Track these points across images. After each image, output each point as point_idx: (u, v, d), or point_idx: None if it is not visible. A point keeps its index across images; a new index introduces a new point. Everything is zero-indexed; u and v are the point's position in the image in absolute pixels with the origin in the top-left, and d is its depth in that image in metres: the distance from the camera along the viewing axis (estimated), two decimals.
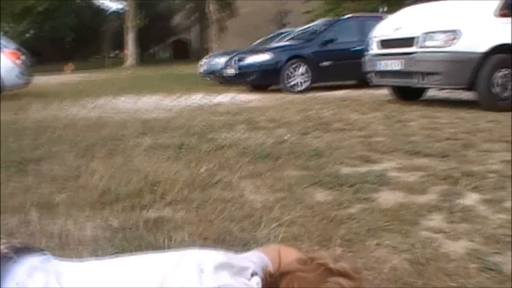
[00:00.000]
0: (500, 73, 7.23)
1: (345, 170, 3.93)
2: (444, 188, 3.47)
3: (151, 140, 5.52)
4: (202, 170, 4.05)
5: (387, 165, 4.14)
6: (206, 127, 6.34)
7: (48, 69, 29.09)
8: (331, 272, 1.60)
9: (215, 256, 1.62)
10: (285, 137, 5.32)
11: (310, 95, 10.87)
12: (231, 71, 12.89)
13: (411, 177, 3.77)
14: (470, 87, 7.38)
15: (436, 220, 2.93)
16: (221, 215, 3.00)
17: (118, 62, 41.86)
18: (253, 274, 1.66)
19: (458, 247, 2.52)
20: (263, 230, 2.71)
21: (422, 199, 3.27)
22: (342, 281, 1.57)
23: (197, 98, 10.94)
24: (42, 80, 18.57)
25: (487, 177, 3.64)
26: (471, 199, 3.21)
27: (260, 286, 1.60)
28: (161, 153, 4.81)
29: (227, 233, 2.71)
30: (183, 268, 1.59)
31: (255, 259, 1.74)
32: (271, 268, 1.72)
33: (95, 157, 4.76)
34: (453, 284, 2.15)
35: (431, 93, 9.46)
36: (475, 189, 3.40)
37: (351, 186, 3.50)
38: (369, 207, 3.09)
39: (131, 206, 3.20)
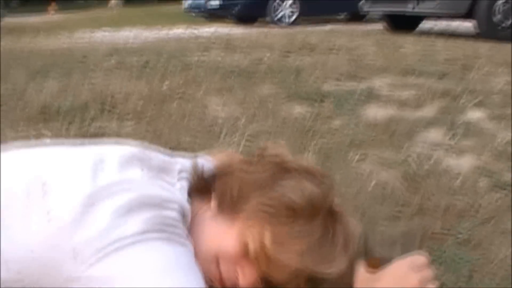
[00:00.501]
0: (502, 1, 6.73)
1: (328, 86, 3.39)
2: (443, 104, 2.97)
3: (116, 61, 4.93)
4: (164, 87, 3.49)
5: (377, 83, 3.61)
6: (178, 50, 5.74)
7: (30, 9, 28.00)
8: (286, 171, 1.09)
9: (126, 149, 1.10)
10: (264, 58, 4.74)
11: (298, 28, 10.22)
12: (215, 2, 12.16)
13: (404, 94, 3.24)
14: (469, 15, 6.81)
15: (434, 134, 2.45)
16: (175, 127, 2.47)
17: (104, 3, 40.60)
18: (182, 178, 1.13)
19: (462, 163, 2.03)
20: (222, 143, 2.18)
21: (417, 114, 2.76)
22: (304, 183, 1.07)
23: (178, 32, 10.28)
24: (21, 19, 17.70)
25: (491, 95, 3.11)
26: (474, 115, 2.74)
27: (186, 188, 1.08)
28: (124, 73, 4.23)
29: (178, 146, 2.18)
30: (74, 160, 1.07)
31: (189, 162, 1.21)
32: (205, 169, 1.19)
33: (49, 77, 4.19)
34: (458, 202, 1.64)
35: (427, 25, 8.87)
36: (479, 105, 2.91)
37: (334, 101, 2.97)
38: (354, 121, 2.57)
39: (72, 120, 2.65)
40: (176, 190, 1.09)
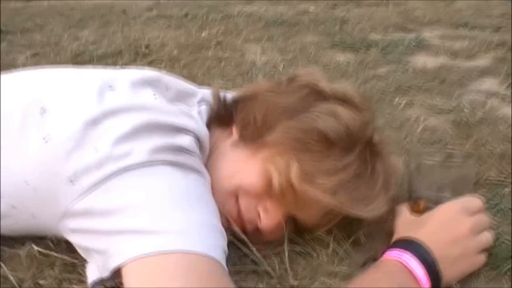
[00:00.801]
0: None
1: (374, 36, 3.18)
2: (499, 55, 2.73)
3: (156, 14, 4.79)
4: (202, 35, 3.34)
5: (428, 34, 3.37)
6: (220, 2, 5.55)
7: None
8: (320, 95, 0.94)
9: (139, 73, 0.97)
10: (309, 9, 4.53)
11: None
12: None
13: (457, 45, 3.01)
14: None
15: (489, 83, 2.23)
16: (210, 72, 2.33)
17: None
18: (201, 101, 1.00)
19: None
20: None
21: (470, 63, 2.54)
22: (339, 109, 0.91)
23: None
24: None
25: None
26: None
27: (204, 115, 0.94)
28: (162, 23, 4.09)
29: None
30: (78, 83, 0.94)
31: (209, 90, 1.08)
32: (228, 98, 1.06)
33: (86, 27, 4.08)
34: None
35: None
36: None
37: (381, 49, 2.77)
38: (401, 69, 2.38)
39: (104, 65, 2.54)
40: (194, 115, 0.96)
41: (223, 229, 0.84)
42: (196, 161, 0.89)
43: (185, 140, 0.89)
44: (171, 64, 2.56)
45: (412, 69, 2.40)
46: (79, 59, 2.80)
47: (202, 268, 0.73)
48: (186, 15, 4.32)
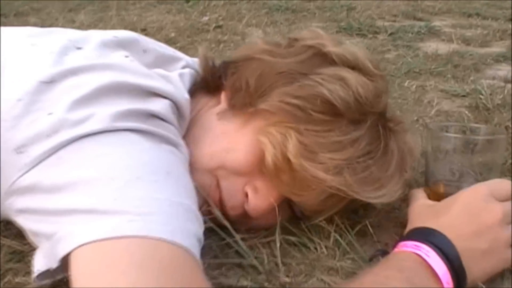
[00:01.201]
0: None
1: (383, 22, 3.03)
2: None
3: None
4: (203, 18, 3.20)
5: (438, 23, 3.22)
6: None
7: None
8: (325, 58, 0.78)
9: (113, 33, 0.81)
10: None
11: None
12: None
13: (469, 32, 2.86)
14: None
15: (505, 70, 2.06)
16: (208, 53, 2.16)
17: None
18: (185, 67, 0.84)
19: None
20: None
21: (484, 50, 2.39)
22: (348, 74, 0.75)
23: None
24: None
25: None
26: None
27: (187, 79, 0.78)
28: (163, 8, 3.94)
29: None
30: (40, 42, 0.78)
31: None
32: (217, 63, 0.90)
33: (84, 11, 3.94)
34: None
35: None
36: None
37: (390, 34, 2.62)
38: (411, 54, 2.23)
39: None
40: (172, 78, 0.81)
41: (198, 213, 0.68)
42: (170, 130, 0.73)
43: (159, 105, 0.73)
44: (167, 46, 2.40)
45: (423, 54, 2.25)
46: None
47: (163, 256, 0.57)
48: (187, 0, 4.18)
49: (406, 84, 1.76)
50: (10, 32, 0.87)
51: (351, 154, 0.78)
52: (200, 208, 0.73)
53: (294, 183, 0.78)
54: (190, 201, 0.67)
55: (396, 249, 0.73)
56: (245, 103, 0.82)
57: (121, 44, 0.82)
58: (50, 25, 3.05)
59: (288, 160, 0.77)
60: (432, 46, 2.46)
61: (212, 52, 2.25)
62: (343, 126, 0.79)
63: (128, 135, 0.67)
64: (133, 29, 2.78)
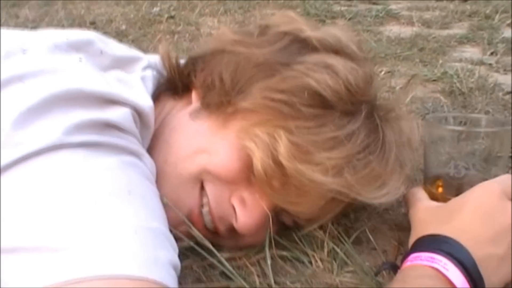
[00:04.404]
0: None
1: (340, 7, 2.96)
2: (474, 23, 2.55)
3: None
4: (154, 9, 3.06)
5: (394, 6, 3.17)
6: None
7: None
8: (305, 44, 0.68)
9: (65, 34, 0.68)
10: None
11: None
12: None
13: (427, 14, 2.82)
14: None
15: (471, 52, 2.02)
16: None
17: None
18: (147, 68, 0.72)
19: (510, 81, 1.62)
20: None
21: (446, 32, 2.34)
22: (334, 60, 0.65)
23: None
24: None
25: None
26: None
27: (150, 82, 0.65)
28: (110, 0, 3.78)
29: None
30: None
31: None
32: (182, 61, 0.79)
33: (28, 5, 3.74)
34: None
35: None
36: None
37: (348, 19, 2.55)
38: (373, 38, 2.16)
39: None
40: (132, 82, 0.69)
41: (168, 233, 0.57)
42: (131, 141, 0.62)
43: (117, 114, 0.61)
44: (118, 39, 2.25)
45: (386, 38, 2.18)
46: None
47: None
48: None
49: (374, 70, 1.68)
50: None
51: (350, 151, 0.68)
52: (177, 227, 0.62)
53: (288, 190, 0.68)
54: (158, 222, 0.56)
55: (409, 263, 0.64)
56: (221, 102, 0.71)
57: (74, 46, 0.70)
58: None
59: (281, 165, 0.66)
60: (393, 29, 2.40)
61: (166, 44, 2.13)
62: (336, 119, 0.69)
63: (81, 151, 0.56)
64: (82, 22, 2.65)
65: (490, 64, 1.86)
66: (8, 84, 0.60)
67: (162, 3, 3.31)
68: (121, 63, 0.76)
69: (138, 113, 0.66)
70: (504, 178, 0.70)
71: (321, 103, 0.69)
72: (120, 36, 2.38)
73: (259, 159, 0.66)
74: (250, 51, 0.74)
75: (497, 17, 2.68)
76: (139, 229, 0.52)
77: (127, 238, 0.50)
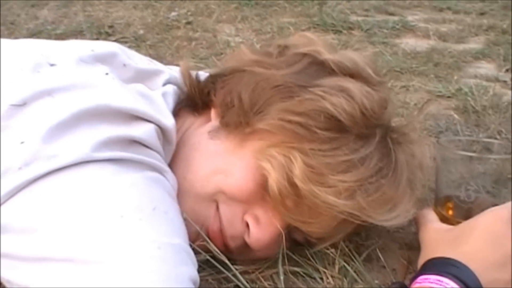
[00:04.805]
0: None
1: (356, 17, 2.97)
2: (490, 38, 2.56)
3: None
4: (172, 14, 3.10)
5: (411, 17, 3.18)
6: None
7: None
8: (323, 67, 0.70)
9: (90, 46, 0.70)
10: None
11: None
12: None
13: (443, 28, 2.83)
14: None
15: (486, 67, 2.02)
16: (180, 52, 2.08)
17: None
18: (168, 83, 0.74)
19: None
20: None
21: (462, 46, 2.35)
22: (350, 84, 0.67)
23: None
24: None
25: None
26: None
27: (171, 98, 0.68)
28: (129, 3, 3.81)
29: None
30: (13, 53, 0.71)
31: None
32: (202, 77, 0.81)
33: (46, 8, 3.78)
34: None
35: None
36: None
37: (365, 31, 2.56)
38: (389, 50, 2.17)
39: None
40: (155, 99, 0.72)
41: (189, 249, 0.60)
42: (155, 157, 0.65)
43: (142, 131, 0.64)
44: (136, 44, 2.31)
45: (402, 51, 2.20)
46: (35, 38, 2.52)
47: None
48: None
49: (389, 85, 1.70)
50: None
51: (363, 174, 0.70)
52: (194, 241, 0.65)
53: (302, 210, 0.70)
54: (180, 239, 0.59)
55: (417, 284, 0.66)
56: (240, 122, 0.74)
57: (99, 59, 0.73)
58: (12, 22, 2.92)
59: (295, 186, 0.69)
60: (409, 42, 2.41)
61: (184, 51, 2.16)
62: (351, 143, 0.72)
63: (109, 166, 0.58)
64: (100, 26, 2.68)
65: (505, 81, 1.87)
66: (38, 98, 0.62)
67: (180, 8, 3.35)
68: (143, 76, 0.78)
69: (162, 130, 0.69)
70: (509, 205, 0.72)
71: (336, 127, 0.71)
72: (138, 41, 2.41)
73: (274, 180, 0.69)
74: (269, 72, 0.76)
75: None
76: (162, 245, 0.54)
77: (151, 253, 0.53)
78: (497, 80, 1.88)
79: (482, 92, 1.65)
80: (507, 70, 2.03)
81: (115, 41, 2.31)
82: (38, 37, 2.54)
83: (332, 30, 2.65)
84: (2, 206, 0.57)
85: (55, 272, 0.51)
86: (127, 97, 0.66)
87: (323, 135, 0.70)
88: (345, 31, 2.57)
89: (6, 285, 0.61)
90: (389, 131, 0.77)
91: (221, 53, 2.11)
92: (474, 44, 2.49)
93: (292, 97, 0.73)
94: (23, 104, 0.61)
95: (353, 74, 0.76)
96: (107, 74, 0.70)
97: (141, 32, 2.58)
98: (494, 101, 1.58)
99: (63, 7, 3.62)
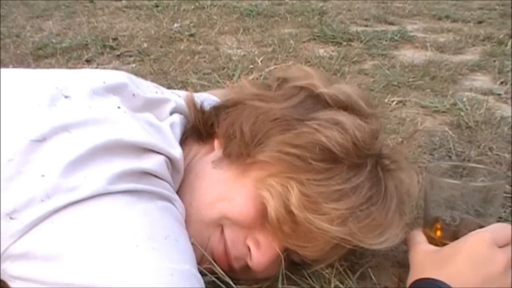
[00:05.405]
0: None
1: (356, 28, 3.03)
2: (487, 49, 2.61)
3: (125, 3, 4.57)
4: (174, 26, 3.15)
5: (410, 27, 3.24)
6: None
7: None
8: (318, 100, 0.76)
9: (101, 77, 0.77)
10: (286, 0, 4.35)
11: None
12: None
13: (441, 38, 2.88)
14: None
15: (481, 80, 2.09)
16: (183, 66, 2.14)
17: None
18: (174, 112, 0.80)
19: None
20: (236, 82, 1.85)
21: (459, 58, 2.40)
22: (344, 117, 0.74)
23: None
24: None
25: None
26: None
27: (178, 129, 0.74)
28: (132, 14, 3.88)
29: (186, 86, 1.86)
30: (24, 88, 0.75)
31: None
32: (206, 105, 0.87)
33: (52, 18, 3.84)
34: None
35: None
36: None
37: (364, 42, 2.62)
38: (388, 63, 2.23)
39: (69, 58, 2.33)
40: (164, 130, 0.78)
41: (198, 274, 0.66)
42: (165, 187, 0.71)
43: (153, 163, 0.70)
44: (140, 58, 2.37)
45: (400, 64, 2.25)
46: (40, 52, 2.59)
47: None
48: (156, 5, 4.14)
49: (386, 100, 1.76)
50: None
51: (354, 202, 0.76)
52: (200, 263, 0.70)
53: (298, 235, 0.77)
54: (190, 264, 0.65)
55: None
56: (241, 153, 0.80)
57: (111, 90, 0.79)
58: (18, 35, 2.98)
59: (292, 213, 0.75)
60: (407, 54, 2.47)
61: (187, 66, 2.22)
62: (343, 173, 0.77)
63: (123, 198, 0.64)
64: (105, 38, 2.74)
65: (499, 95, 1.92)
66: (56, 133, 0.68)
67: (182, 19, 3.40)
68: (151, 105, 0.84)
69: (170, 160, 0.75)
70: (496, 227, 0.78)
71: (330, 158, 0.77)
72: (142, 55, 2.47)
73: (273, 208, 0.75)
74: (268, 105, 0.83)
75: (510, 43, 2.73)
76: (174, 271, 0.60)
77: (164, 280, 0.59)
78: (491, 93, 1.93)
79: (476, 106, 1.70)
80: (501, 83, 2.08)
81: (119, 55, 2.38)
82: (44, 51, 2.60)
83: (332, 42, 2.70)
84: (26, 235, 0.63)
85: None
86: (138, 131, 0.72)
87: (318, 166, 0.76)
88: (344, 43, 2.63)
89: None
90: (379, 160, 0.83)
91: (223, 68, 2.17)
92: (471, 55, 2.55)
93: (289, 129, 0.79)
94: (42, 140, 0.67)
95: (347, 107, 0.82)
96: (119, 107, 0.76)
97: (145, 45, 2.63)
98: (487, 116, 1.63)
99: (67, 18, 3.69)
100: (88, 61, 2.40)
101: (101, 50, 2.55)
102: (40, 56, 2.52)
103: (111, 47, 2.58)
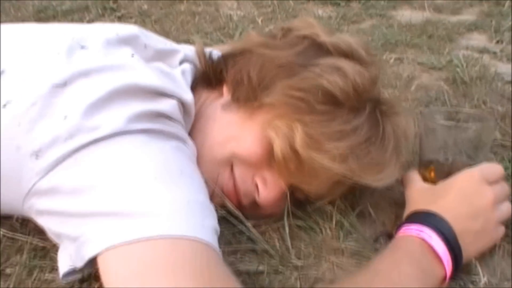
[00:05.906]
0: None
1: None
2: (484, 9, 2.64)
3: None
4: None
5: None
6: None
7: None
8: (321, 48, 0.84)
9: (114, 29, 0.82)
10: None
11: None
12: None
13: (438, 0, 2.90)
14: None
15: (477, 39, 2.12)
16: (184, 27, 2.18)
17: None
18: (184, 61, 0.86)
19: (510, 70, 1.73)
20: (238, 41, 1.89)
21: (456, 18, 2.44)
22: (345, 63, 0.79)
23: None
24: None
25: None
26: None
27: (189, 76, 0.80)
28: None
29: (189, 44, 1.88)
30: (43, 39, 0.84)
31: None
32: (214, 55, 0.93)
33: None
34: None
35: None
36: None
37: (362, 3, 2.65)
38: (386, 23, 2.27)
39: (70, 21, 2.36)
40: (176, 77, 0.83)
41: (211, 205, 0.72)
42: (178, 128, 0.77)
43: (167, 105, 0.76)
44: (141, 19, 2.40)
45: (397, 23, 2.29)
46: (42, 15, 2.61)
47: (192, 255, 0.61)
48: None
49: (384, 57, 1.80)
50: (7, 30, 0.88)
51: (354, 142, 0.82)
52: (211, 199, 0.77)
53: (302, 172, 0.83)
54: (204, 196, 0.71)
55: (401, 233, 0.78)
56: (248, 97, 0.85)
57: (124, 41, 0.84)
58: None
59: (296, 152, 0.81)
60: (405, 14, 2.50)
61: (188, 26, 2.25)
62: (344, 115, 0.83)
63: (141, 136, 0.70)
64: (105, 0, 2.75)
65: (495, 53, 1.96)
66: (76, 78, 0.74)
67: None
68: (162, 56, 0.90)
69: (183, 104, 0.80)
70: (484, 166, 0.84)
71: (332, 101, 0.83)
72: (143, 16, 2.50)
73: (278, 146, 0.81)
74: (274, 53, 0.88)
75: (507, 3, 2.76)
76: (190, 201, 0.66)
77: (182, 207, 0.65)
78: (487, 51, 1.97)
79: (472, 63, 1.75)
80: (497, 42, 2.12)
81: (120, 17, 2.41)
82: (45, 13, 2.62)
83: (331, 2, 2.73)
84: (51, 172, 0.69)
85: (104, 224, 0.63)
86: (152, 76, 0.78)
87: (320, 108, 0.82)
88: (343, 3, 2.65)
89: (53, 236, 0.73)
90: (378, 104, 0.88)
91: (224, 27, 2.20)
92: (468, 15, 2.58)
93: (294, 75, 0.84)
94: (64, 84, 0.72)
95: (347, 55, 0.88)
96: (132, 55, 0.81)
97: (145, 7, 2.65)
98: (482, 72, 1.68)
99: None
100: (90, 23, 2.43)
101: (101, 12, 2.57)
102: (41, 19, 2.54)
103: (112, 9, 2.60)
